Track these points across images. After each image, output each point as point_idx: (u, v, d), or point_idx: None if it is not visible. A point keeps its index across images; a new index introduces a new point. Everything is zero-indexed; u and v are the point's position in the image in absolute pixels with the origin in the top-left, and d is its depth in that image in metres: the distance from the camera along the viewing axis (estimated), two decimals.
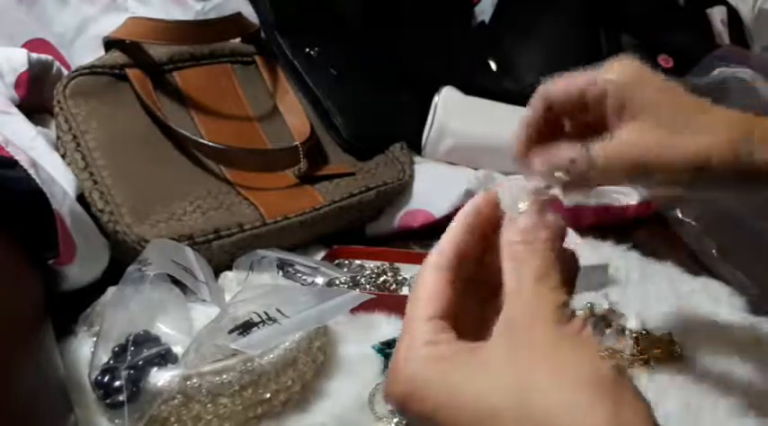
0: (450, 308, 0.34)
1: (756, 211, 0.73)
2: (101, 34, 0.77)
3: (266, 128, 0.80)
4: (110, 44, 0.75)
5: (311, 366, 0.55)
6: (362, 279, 0.69)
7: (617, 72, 0.44)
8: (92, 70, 0.71)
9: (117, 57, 0.73)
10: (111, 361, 0.51)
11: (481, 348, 0.32)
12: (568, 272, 0.35)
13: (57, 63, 0.77)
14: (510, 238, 0.35)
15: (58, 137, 0.68)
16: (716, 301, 0.69)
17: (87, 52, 0.83)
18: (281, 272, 0.65)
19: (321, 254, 0.73)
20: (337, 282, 0.67)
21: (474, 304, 0.37)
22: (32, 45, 0.84)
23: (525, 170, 0.44)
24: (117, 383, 0.48)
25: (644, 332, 0.64)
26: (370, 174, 0.80)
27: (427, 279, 0.35)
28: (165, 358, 0.52)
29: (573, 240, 0.75)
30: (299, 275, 0.66)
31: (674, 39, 1.01)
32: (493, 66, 0.98)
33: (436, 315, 0.33)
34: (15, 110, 0.67)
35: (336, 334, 0.60)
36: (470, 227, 0.36)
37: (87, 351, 0.54)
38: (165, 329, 0.55)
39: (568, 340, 0.31)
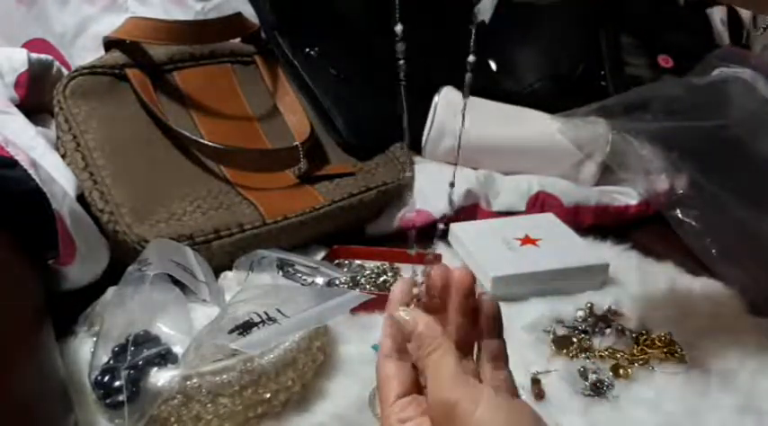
0: (409, 382, 0.38)
1: (756, 211, 0.73)
2: (101, 34, 0.77)
3: (266, 128, 0.80)
4: (110, 44, 0.75)
5: (311, 366, 0.55)
6: (362, 279, 0.69)
7: None
8: (92, 70, 0.71)
9: (117, 57, 0.73)
10: (111, 361, 0.51)
11: None
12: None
13: (57, 63, 0.77)
14: None
15: (58, 137, 0.68)
16: (716, 301, 0.69)
17: (87, 52, 0.83)
18: (281, 272, 0.65)
19: (321, 254, 0.73)
20: (337, 282, 0.67)
21: None
22: (32, 45, 0.85)
23: None
24: (117, 383, 0.48)
25: (644, 332, 0.64)
26: (370, 174, 0.80)
27: (381, 369, 0.39)
28: (165, 358, 0.52)
29: (573, 240, 0.75)
30: (299, 275, 0.66)
31: (674, 39, 1.01)
32: (493, 66, 0.98)
33: (398, 395, 0.38)
34: (15, 110, 0.67)
35: (336, 334, 0.60)
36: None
37: (87, 351, 0.54)
38: (165, 329, 0.55)
39: None
